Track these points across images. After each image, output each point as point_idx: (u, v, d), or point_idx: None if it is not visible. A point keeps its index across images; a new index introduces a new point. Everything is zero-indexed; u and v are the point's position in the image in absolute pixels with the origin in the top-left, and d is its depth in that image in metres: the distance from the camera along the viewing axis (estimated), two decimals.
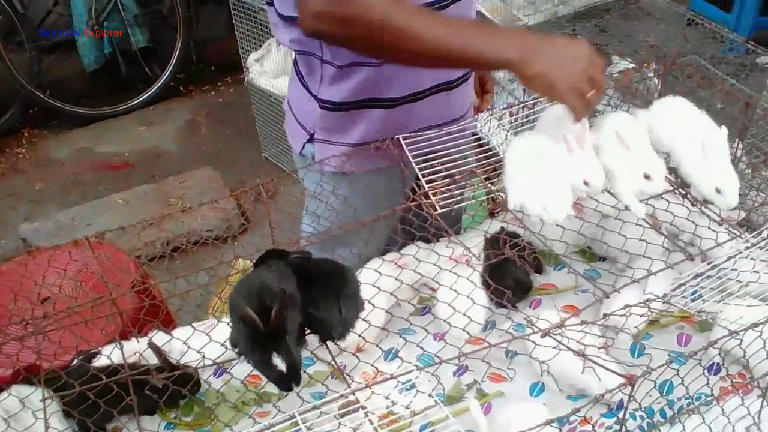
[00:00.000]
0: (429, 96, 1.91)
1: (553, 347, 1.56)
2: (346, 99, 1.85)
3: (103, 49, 5.16)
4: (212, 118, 5.26)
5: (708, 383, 1.43)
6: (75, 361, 1.71)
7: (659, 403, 1.52)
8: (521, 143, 1.75)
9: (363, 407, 1.31)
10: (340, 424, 1.30)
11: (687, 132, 1.65)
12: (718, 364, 1.57)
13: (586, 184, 1.58)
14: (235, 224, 3.83)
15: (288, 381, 1.33)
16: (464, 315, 1.65)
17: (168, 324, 2.02)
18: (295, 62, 1.94)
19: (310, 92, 1.89)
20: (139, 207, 4.15)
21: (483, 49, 1.55)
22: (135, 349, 1.66)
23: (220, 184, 4.30)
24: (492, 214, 2.38)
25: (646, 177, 1.59)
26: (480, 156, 2.04)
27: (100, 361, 1.62)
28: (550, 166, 1.65)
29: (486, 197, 2.20)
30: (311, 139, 1.95)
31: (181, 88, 5.53)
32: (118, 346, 1.53)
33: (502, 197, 1.87)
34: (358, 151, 1.89)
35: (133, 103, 5.30)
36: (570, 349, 1.39)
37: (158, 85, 5.32)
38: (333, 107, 1.86)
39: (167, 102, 5.33)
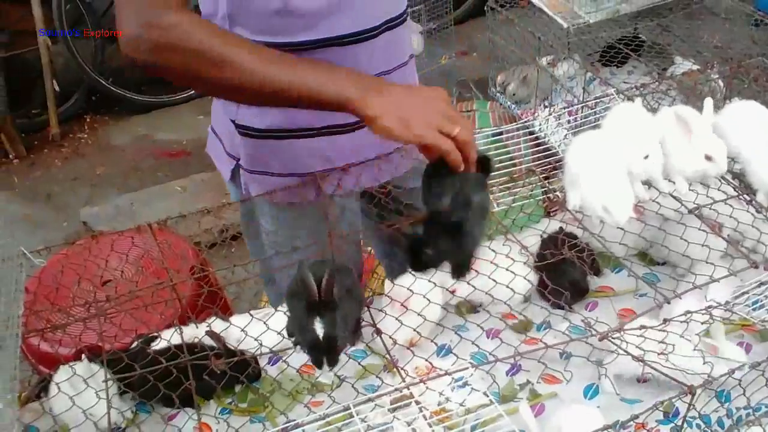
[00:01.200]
0: (354, 130, 1.76)
1: (612, 351, 1.55)
2: (271, 126, 1.73)
3: None
4: None
5: None
6: (135, 344, 1.76)
7: (717, 411, 1.49)
8: (583, 142, 1.73)
9: (417, 402, 1.32)
10: (394, 417, 1.31)
11: (756, 136, 1.62)
12: None
13: (708, 158, 1.57)
14: None
15: (320, 354, 1.30)
16: (507, 287, 1.64)
17: (225, 311, 2.06)
18: None
19: (229, 118, 1.78)
20: (196, 194, 4.23)
21: (318, 85, 1.38)
22: (193, 335, 1.69)
23: None
24: (548, 214, 2.36)
25: (708, 158, 1.59)
26: (538, 155, 2.02)
27: (159, 345, 1.66)
28: (612, 167, 1.64)
29: (543, 196, 2.19)
30: (237, 165, 1.85)
31: None
32: (178, 330, 1.57)
33: (559, 197, 1.86)
34: (286, 183, 1.78)
35: (192, 92, 5.38)
36: (629, 353, 1.38)
37: None
38: (255, 134, 1.75)
39: None
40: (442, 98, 1.41)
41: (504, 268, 1.72)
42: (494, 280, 1.71)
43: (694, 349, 1.42)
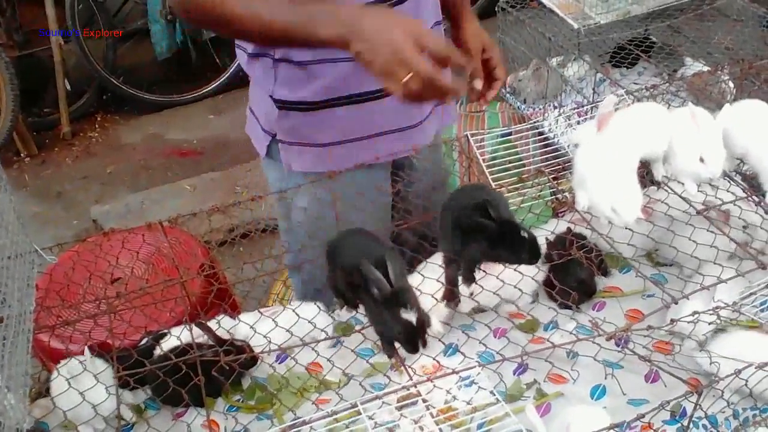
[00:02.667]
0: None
1: (619, 350, 1.56)
2: (306, 98, 1.81)
3: (175, 38, 5.28)
4: None
5: None
6: (144, 341, 1.77)
7: (724, 412, 1.49)
8: (592, 143, 1.74)
9: (424, 400, 1.33)
10: (401, 415, 1.32)
11: (764, 134, 1.62)
12: None
13: (701, 160, 1.60)
14: None
15: (417, 337, 1.36)
16: (515, 287, 1.67)
17: (233, 309, 2.07)
18: (248, 65, 1.89)
19: (267, 93, 1.85)
20: (206, 193, 4.25)
21: (304, 27, 1.45)
22: (202, 333, 1.71)
23: None
24: (556, 214, 2.36)
25: (701, 160, 1.62)
26: (547, 155, 2.03)
27: (169, 342, 1.67)
28: (621, 168, 1.64)
29: (552, 197, 2.19)
30: (274, 140, 1.92)
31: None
32: (188, 327, 1.58)
33: (567, 197, 1.87)
34: (331, 151, 1.87)
35: (203, 91, 5.41)
36: (635, 353, 1.38)
37: (227, 75, 5.42)
38: (291, 107, 1.83)
39: (236, 91, 5.42)
40: (405, 32, 1.39)
41: (512, 268, 1.73)
42: (502, 281, 1.71)
43: (701, 350, 1.42)
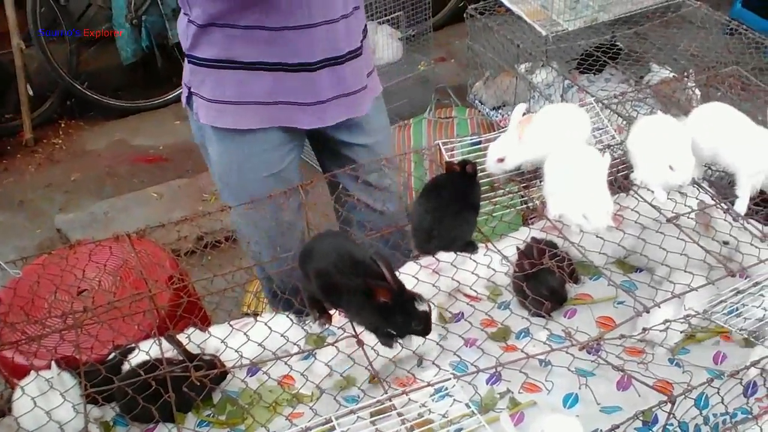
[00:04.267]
0: (301, 71, 2.00)
1: (592, 360, 1.56)
2: (208, 57, 1.99)
3: (140, 42, 5.19)
4: None
5: (748, 402, 1.42)
6: (112, 356, 1.74)
7: (695, 419, 1.50)
8: (562, 152, 1.75)
9: (400, 414, 1.31)
10: (377, 430, 1.30)
11: (731, 133, 1.67)
12: (755, 383, 1.55)
13: (671, 168, 1.64)
14: None
15: (428, 325, 1.41)
16: (472, 273, 1.73)
17: (203, 322, 2.04)
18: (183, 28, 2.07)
19: (185, 49, 2.06)
20: (173, 201, 4.18)
21: None
22: (171, 347, 1.68)
23: None
24: (526, 222, 2.37)
25: (670, 168, 1.64)
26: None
27: (138, 357, 1.64)
28: (591, 176, 1.65)
29: (522, 206, 2.20)
30: (190, 93, 2.10)
31: None
32: (157, 342, 1.55)
33: (537, 205, 1.87)
34: (228, 108, 2.03)
35: (169, 96, 5.32)
36: (609, 363, 1.39)
37: None
38: (198, 63, 2.02)
39: None
40: None
41: (485, 265, 1.78)
42: (476, 275, 1.76)
43: (675, 357, 1.43)
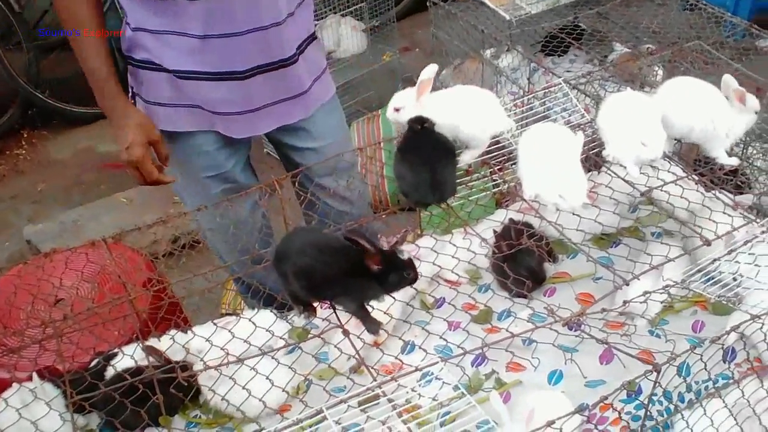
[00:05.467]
0: (213, 80, 1.99)
1: (576, 335, 1.58)
2: (141, 59, 2.01)
3: None
4: None
5: (729, 368, 1.44)
6: (94, 362, 1.72)
7: (678, 387, 1.53)
8: (534, 133, 1.76)
9: (390, 400, 1.32)
10: (368, 417, 1.31)
11: (703, 106, 1.73)
12: (733, 349, 1.58)
13: (643, 144, 1.66)
14: None
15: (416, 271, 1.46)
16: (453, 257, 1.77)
17: (184, 324, 2.03)
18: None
19: (124, 50, 2.08)
20: (144, 206, 4.14)
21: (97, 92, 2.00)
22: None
23: None
24: (500, 205, 2.39)
25: (642, 144, 1.67)
26: (490, 147, 2.04)
27: (123, 362, 1.62)
28: (565, 155, 1.67)
29: (496, 190, 2.21)
30: (133, 93, 2.14)
31: None
32: (141, 346, 1.54)
33: (511, 188, 1.89)
34: (167, 111, 2.05)
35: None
36: (593, 336, 1.41)
37: None
38: (133, 64, 2.05)
39: None
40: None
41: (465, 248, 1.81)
42: (457, 258, 1.79)
43: (655, 328, 1.46)
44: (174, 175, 2.14)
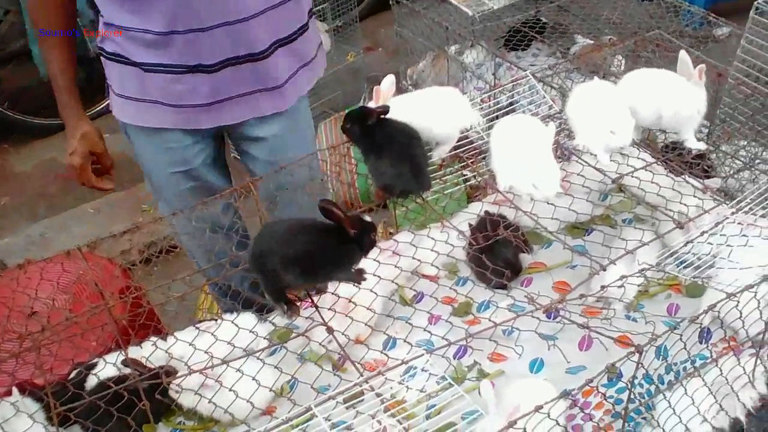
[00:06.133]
0: (180, 74, 1.99)
1: (557, 322, 1.60)
2: (110, 51, 2.02)
3: None
4: None
5: (708, 347, 1.48)
6: (74, 373, 1.70)
7: (657, 369, 1.56)
8: (506, 125, 1.78)
9: (378, 394, 1.33)
10: (357, 412, 1.31)
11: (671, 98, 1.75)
12: (709, 329, 1.62)
13: (612, 132, 1.69)
14: None
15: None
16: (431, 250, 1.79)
17: (161, 332, 2.01)
18: None
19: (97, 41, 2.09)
20: (112, 215, 4.09)
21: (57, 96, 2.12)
22: (135, 356, 1.65)
23: None
24: (470, 199, 2.41)
25: (611, 132, 1.70)
26: (460, 142, 2.06)
27: (104, 371, 1.61)
28: (537, 145, 1.70)
29: (465, 184, 2.23)
30: (107, 85, 2.16)
31: None
32: (123, 355, 1.52)
33: (480, 182, 1.91)
34: (135, 105, 2.06)
35: (96, 109, 5.18)
36: (574, 322, 1.43)
37: None
38: (105, 56, 2.05)
39: None
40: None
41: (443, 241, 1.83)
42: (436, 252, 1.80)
43: (634, 311, 1.48)
44: (144, 170, 2.23)
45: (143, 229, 1.85)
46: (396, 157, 1.66)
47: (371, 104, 1.81)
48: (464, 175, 1.95)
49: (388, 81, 1.82)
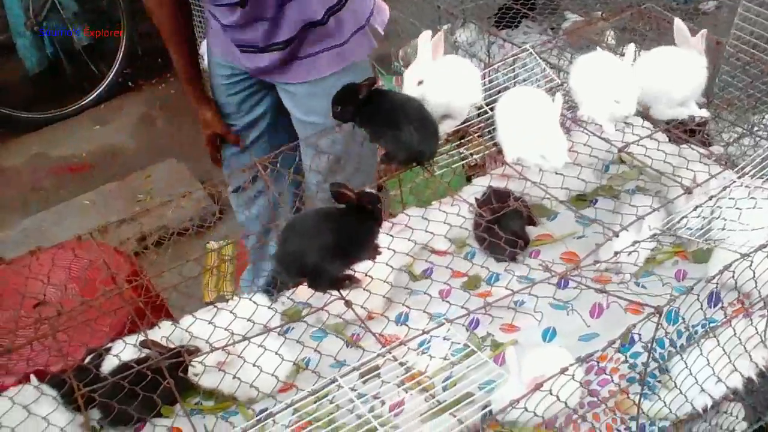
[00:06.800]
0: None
1: (574, 288, 1.62)
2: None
3: (44, 50, 4.99)
4: (167, 111, 5.15)
5: (722, 307, 1.50)
6: (89, 357, 1.70)
7: (668, 333, 1.58)
8: (511, 97, 1.79)
9: (402, 363, 1.34)
10: (382, 382, 1.33)
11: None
12: (718, 293, 1.64)
13: (616, 101, 1.70)
14: (210, 212, 3.76)
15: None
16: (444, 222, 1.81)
17: (168, 316, 2.01)
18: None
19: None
20: (107, 206, 4.07)
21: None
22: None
23: (187, 174, 4.24)
24: (469, 179, 2.42)
25: (616, 101, 1.71)
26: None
27: (123, 353, 1.61)
28: (543, 117, 1.71)
29: (469, 159, 2.25)
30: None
31: (130, 84, 5.41)
32: (143, 334, 1.53)
33: (477, 161, 1.92)
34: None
35: (84, 102, 5.15)
36: (591, 287, 1.45)
37: (106, 83, 5.18)
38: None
39: (118, 98, 5.19)
40: None
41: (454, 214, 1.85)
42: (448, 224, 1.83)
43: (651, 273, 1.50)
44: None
45: (153, 213, 1.84)
46: (406, 123, 1.64)
47: (422, 64, 1.81)
48: (461, 155, 1.96)
49: (427, 34, 1.83)
